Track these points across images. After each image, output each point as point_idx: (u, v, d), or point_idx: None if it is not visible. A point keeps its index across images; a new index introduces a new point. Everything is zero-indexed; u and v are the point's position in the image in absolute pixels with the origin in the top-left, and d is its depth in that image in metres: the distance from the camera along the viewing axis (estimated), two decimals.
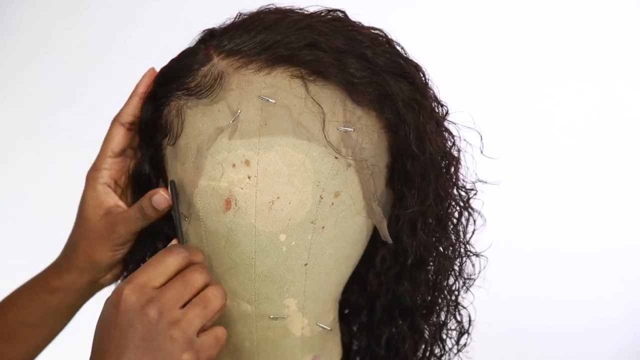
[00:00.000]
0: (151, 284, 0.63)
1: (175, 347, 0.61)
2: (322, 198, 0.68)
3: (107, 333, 0.62)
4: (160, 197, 0.71)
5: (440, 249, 0.78)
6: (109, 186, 0.77)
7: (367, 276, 0.81)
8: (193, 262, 0.66)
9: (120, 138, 0.76)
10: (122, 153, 0.77)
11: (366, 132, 0.68)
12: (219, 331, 0.65)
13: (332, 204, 0.68)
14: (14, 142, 1.58)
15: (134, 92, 0.76)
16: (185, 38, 0.76)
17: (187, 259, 0.65)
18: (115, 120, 0.76)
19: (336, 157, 0.67)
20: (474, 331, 0.85)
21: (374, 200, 0.70)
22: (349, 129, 0.67)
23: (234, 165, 0.67)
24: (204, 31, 0.74)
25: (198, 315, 0.63)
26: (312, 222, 0.68)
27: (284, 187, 0.67)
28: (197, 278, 0.64)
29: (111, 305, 0.63)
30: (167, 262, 0.65)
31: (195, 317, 0.63)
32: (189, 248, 0.67)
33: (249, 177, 0.67)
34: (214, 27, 0.73)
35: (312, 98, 0.66)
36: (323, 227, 0.69)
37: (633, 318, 1.49)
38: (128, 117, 0.76)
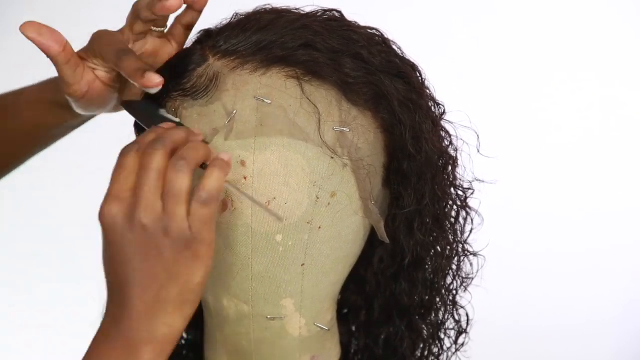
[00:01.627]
0: (123, 188, 0.59)
1: (171, 248, 0.58)
2: (318, 198, 0.67)
3: (108, 259, 0.59)
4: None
5: (438, 248, 0.78)
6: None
7: (366, 276, 0.81)
8: (148, 148, 0.60)
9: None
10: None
11: (362, 132, 0.68)
12: (207, 194, 0.58)
13: (329, 204, 0.68)
14: None
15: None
16: None
17: (139, 150, 0.60)
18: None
19: (332, 157, 0.67)
20: (472, 330, 0.85)
21: (370, 200, 0.70)
22: (344, 129, 0.67)
23: None
24: (200, 31, 0.74)
25: (176, 200, 0.58)
26: (308, 223, 0.68)
27: (280, 188, 0.66)
28: (155, 159, 0.58)
29: (102, 232, 0.59)
30: (125, 162, 0.59)
31: (175, 205, 0.57)
32: (138, 139, 0.61)
33: (245, 178, 0.66)
34: (211, 28, 0.73)
35: (308, 98, 0.66)
36: (320, 228, 0.69)
37: (631, 318, 1.49)
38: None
